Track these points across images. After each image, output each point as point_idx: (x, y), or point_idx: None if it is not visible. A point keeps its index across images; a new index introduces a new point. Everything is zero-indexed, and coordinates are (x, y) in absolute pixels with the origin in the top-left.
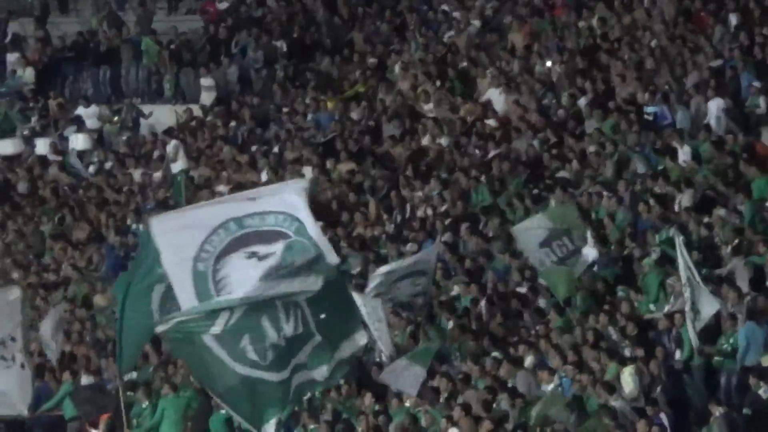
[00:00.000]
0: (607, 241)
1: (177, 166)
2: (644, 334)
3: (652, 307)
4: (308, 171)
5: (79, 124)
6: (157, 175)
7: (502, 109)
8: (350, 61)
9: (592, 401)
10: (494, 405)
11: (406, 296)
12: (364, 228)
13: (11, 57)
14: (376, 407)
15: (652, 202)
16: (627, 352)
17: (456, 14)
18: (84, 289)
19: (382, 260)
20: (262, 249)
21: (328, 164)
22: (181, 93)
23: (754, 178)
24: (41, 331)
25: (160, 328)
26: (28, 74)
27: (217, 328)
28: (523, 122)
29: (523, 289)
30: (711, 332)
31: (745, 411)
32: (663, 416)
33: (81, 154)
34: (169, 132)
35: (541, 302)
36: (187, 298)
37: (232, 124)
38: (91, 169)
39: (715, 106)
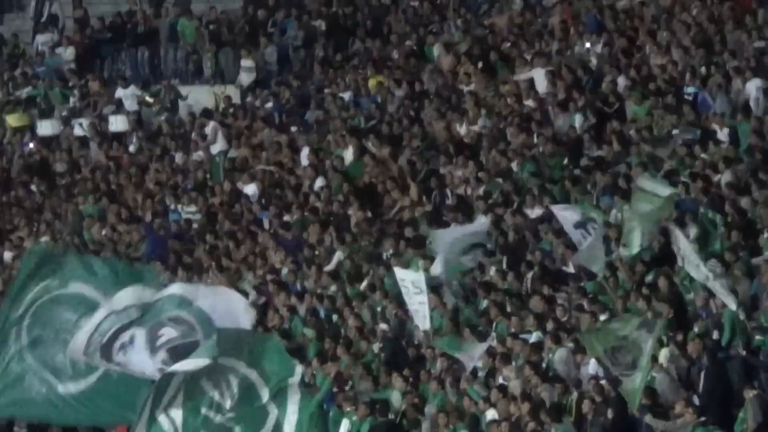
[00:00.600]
0: None
1: (216, 148)
2: (683, 316)
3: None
4: (348, 153)
5: (118, 105)
6: (196, 156)
7: (543, 89)
8: (389, 42)
9: None
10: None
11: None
12: (404, 210)
13: (44, 37)
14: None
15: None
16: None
17: None
18: None
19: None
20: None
21: (369, 146)
22: (220, 74)
23: None
24: None
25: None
26: (69, 53)
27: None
28: (562, 103)
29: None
30: (748, 312)
31: None
32: (695, 398)
33: (120, 135)
34: (208, 113)
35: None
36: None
37: (271, 104)
38: (131, 149)
39: (753, 87)
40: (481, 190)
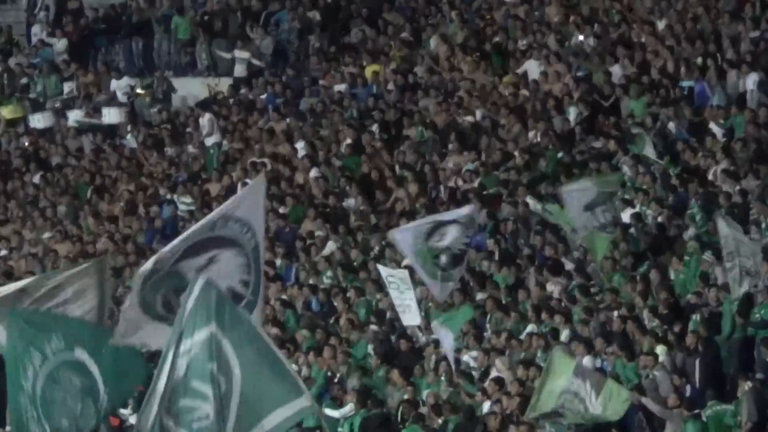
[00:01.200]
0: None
1: (211, 140)
2: (680, 309)
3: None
4: (343, 145)
5: (112, 97)
6: (191, 147)
7: (539, 81)
8: (385, 32)
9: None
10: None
11: (459, 245)
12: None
13: (36, 29)
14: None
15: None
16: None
17: None
18: (120, 261)
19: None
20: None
21: (365, 139)
22: (214, 65)
23: None
24: None
25: None
26: (62, 45)
27: None
28: (558, 95)
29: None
30: (745, 305)
31: None
32: (688, 387)
33: (114, 127)
34: (203, 105)
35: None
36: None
37: (266, 96)
38: (125, 140)
39: (751, 81)
40: (476, 183)
